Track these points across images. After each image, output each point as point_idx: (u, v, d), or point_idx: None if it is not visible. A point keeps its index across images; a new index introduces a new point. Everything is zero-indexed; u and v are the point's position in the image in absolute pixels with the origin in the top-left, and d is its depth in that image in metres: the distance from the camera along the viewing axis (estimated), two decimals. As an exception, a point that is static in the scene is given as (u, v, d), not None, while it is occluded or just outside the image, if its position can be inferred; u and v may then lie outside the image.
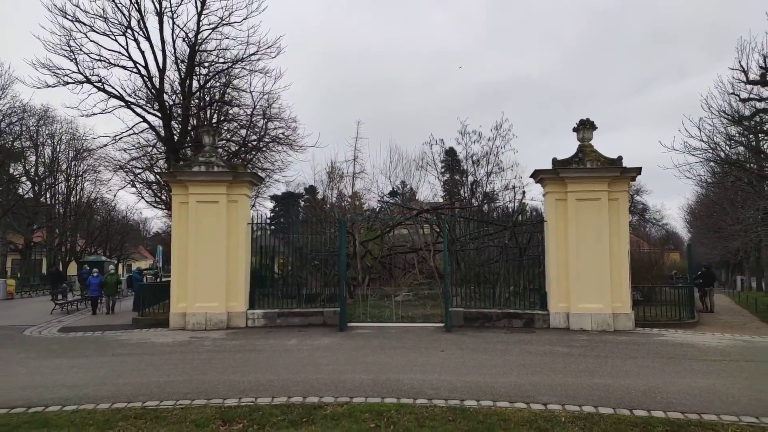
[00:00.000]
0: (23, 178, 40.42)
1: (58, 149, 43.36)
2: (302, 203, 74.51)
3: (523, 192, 22.83)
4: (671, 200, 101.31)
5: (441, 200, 33.46)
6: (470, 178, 24.67)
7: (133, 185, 24.35)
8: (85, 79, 15.68)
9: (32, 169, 41.64)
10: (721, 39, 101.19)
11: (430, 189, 30.64)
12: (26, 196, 41.89)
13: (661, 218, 76.28)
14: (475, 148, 24.32)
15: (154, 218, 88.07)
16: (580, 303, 13.13)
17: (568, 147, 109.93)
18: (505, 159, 24.05)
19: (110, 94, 15.52)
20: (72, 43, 15.23)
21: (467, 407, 6.06)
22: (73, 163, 45.09)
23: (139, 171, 20.73)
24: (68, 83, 15.37)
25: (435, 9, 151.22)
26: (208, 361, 9.25)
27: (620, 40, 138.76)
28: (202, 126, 16.36)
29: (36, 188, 42.37)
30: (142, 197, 26.68)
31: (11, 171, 38.69)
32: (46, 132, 41.97)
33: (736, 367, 8.83)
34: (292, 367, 8.54)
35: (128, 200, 58.20)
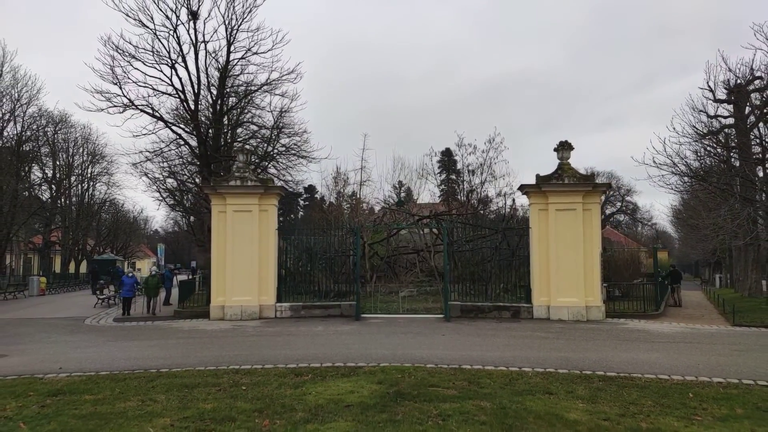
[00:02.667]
0: (43, 184, 42.54)
1: (73, 153, 45.59)
2: (301, 202, 76.87)
3: (513, 199, 25.24)
4: (661, 200, 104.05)
5: (439, 201, 35.98)
6: (466, 186, 27.08)
7: (160, 194, 26.85)
8: (130, 103, 17.96)
9: (49, 173, 43.85)
10: (725, 32, 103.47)
11: (429, 194, 33.14)
12: (44, 198, 44.11)
13: (650, 218, 78.98)
14: (471, 159, 26.78)
15: (155, 217, 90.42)
16: (558, 297, 15.56)
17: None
18: (498, 169, 26.45)
19: (155, 117, 17.90)
20: (120, 72, 17.52)
21: (464, 368, 8.46)
22: (88, 167, 47.45)
23: (179, 183, 23.02)
24: (116, 106, 17.68)
25: (438, 3, 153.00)
26: (257, 342, 11.62)
27: (623, 34, 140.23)
28: (237, 145, 18.71)
29: (53, 191, 44.52)
30: (164, 201, 29.31)
31: (31, 176, 40.90)
32: (62, 137, 44.09)
33: (674, 346, 11.25)
34: (327, 345, 10.93)
35: (137, 200, 60.68)
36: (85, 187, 49.23)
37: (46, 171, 43.35)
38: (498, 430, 5.02)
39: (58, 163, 44.30)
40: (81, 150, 46.40)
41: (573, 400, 6.25)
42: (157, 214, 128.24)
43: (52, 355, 10.39)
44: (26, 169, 37.76)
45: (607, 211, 79.61)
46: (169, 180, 26.38)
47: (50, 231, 44.77)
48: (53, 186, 44.12)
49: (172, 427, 5.19)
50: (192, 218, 33.79)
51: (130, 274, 19.03)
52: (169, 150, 20.51)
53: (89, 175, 48.63)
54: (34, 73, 63.12)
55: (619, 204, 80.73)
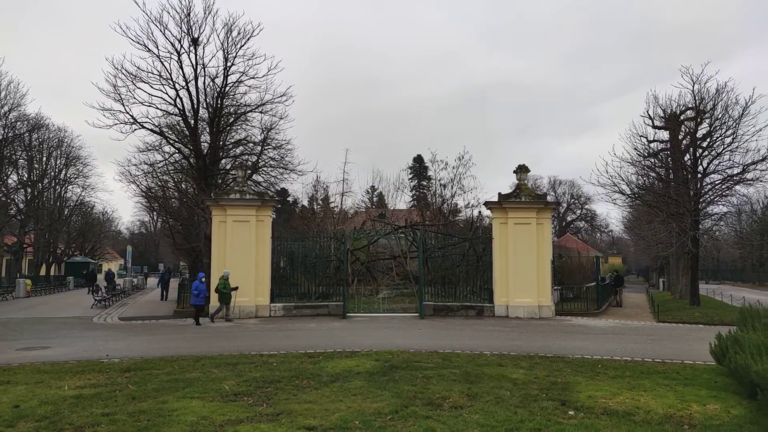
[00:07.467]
0: (19, 188, 42.67)
1: (48, 156, 45.90)
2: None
3: (479, 211, 28.05)
4: (616, 210, 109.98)
5: (411, 206, 38.64)
6: (438, 200, 29.75)
7: (147, 200, 28.37)
8: (134, 121, 19.69)
9: (25, 175, 44.01)
10: (713, 40, 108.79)
11: (404, 204, 35.80)
12: (18, 200, 44.22)
13: (607, 225, 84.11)
14: (443, 174, 29.49)
15: (120, 218, 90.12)
16: (516, 298, 18.24)
17: (543, 149, 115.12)
18: (467, 183, 29.22)
19: (159, 134, 19.69)
20: (125, 92, 19.26)
21: (438, 351, 10.85)
22: (62, 169, 47.80)
23: (163, 190, 24.74)
24: (122, 123, 19.38)
25: (425, 7, 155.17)
26: (262, 335, 13.70)
27: (610, 40, 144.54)
28: (229, 159, 20.65)
29: (27, 194, 44.64)
30: (153, 208, 30.85)
31: (8, 180, 41.10)
32: (37, 139, 44.30)
33: (603, 337, 14.00)
34: (324, 338, 13.13)
35: (110, 202, 60.84)
36: (59, 191, 49.48)
37: (22, 174, 43.53)
38: (464, 382, 7.42)
39: (34, 165, 44.54)
40: (55, 153, 46.75)
41: (516, 369, 8.73)
42: (123, 215, 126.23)
43: (88, 346, 12.17)
44: (6, 173, 38.09)
45: (568, 218, 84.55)
46: (149, 184, 28.00)
47: (25, 234, 44.89)
48: (28, 188, 44.30)
49: (238, 386, 7.33)
50: (171, 222, 35.18)
51: (203, 279, 16.75)
52: (166, 164, 22.24)
53: (63, 178, 48.92)
54: (18, 80, 62.44)
55: (579, 212, 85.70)
